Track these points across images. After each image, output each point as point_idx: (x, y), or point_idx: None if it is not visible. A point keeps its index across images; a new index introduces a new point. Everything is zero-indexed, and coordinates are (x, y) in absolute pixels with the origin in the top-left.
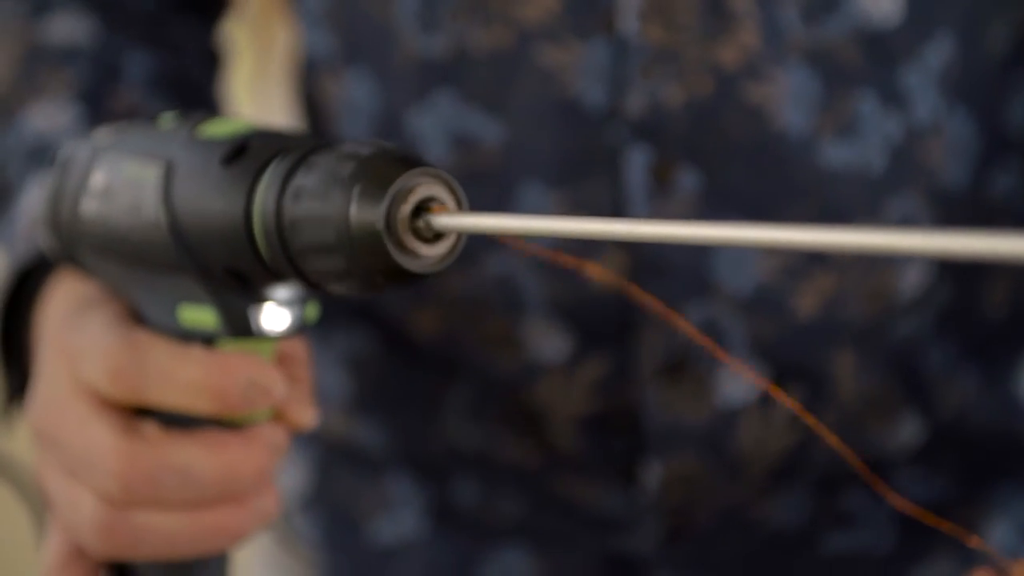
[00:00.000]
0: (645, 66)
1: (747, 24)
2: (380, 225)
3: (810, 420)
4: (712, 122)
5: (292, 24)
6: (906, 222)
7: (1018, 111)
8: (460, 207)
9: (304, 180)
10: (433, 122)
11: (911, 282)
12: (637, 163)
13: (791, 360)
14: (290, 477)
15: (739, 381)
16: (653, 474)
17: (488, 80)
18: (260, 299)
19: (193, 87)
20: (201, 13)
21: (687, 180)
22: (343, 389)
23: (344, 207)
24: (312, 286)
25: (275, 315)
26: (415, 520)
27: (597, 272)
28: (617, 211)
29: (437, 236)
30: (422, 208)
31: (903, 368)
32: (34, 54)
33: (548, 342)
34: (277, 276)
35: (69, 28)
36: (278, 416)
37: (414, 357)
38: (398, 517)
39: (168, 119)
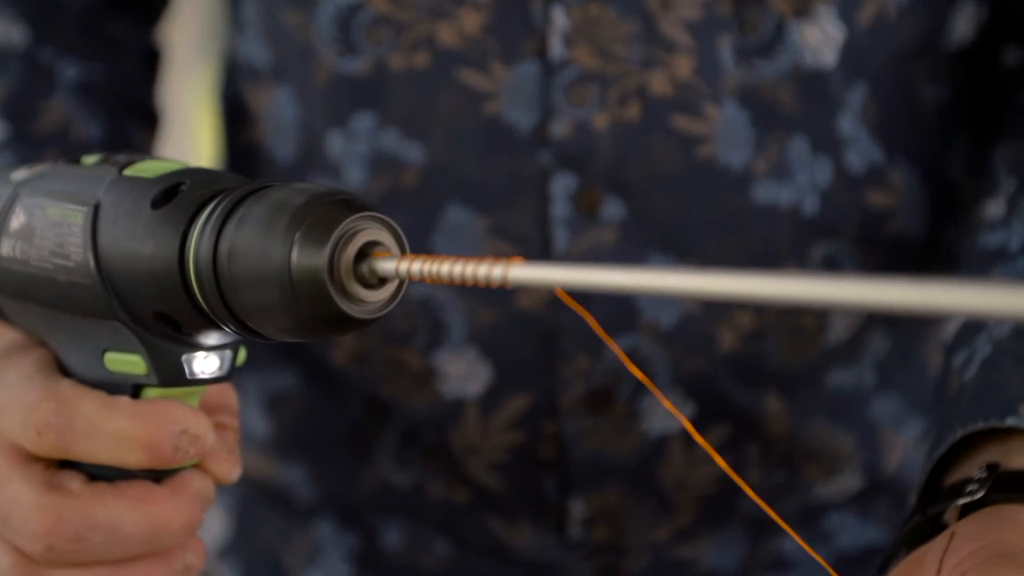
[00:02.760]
0: (571, 90)
1: (682, 56)
2: (323, 270)
3: (720, 461)
4: (638, 149)
5: (228, 29)
6: (828, 263)
7: (958, 167)
8: (403, 251)
9: (243, 224)
10: (354, 143)
11: (839, 327)
12: (560, 190)
13: (715, 395)
14: (207, 521)
15: (664, 412)
16: (579, 509)
17: (413, 101)
18: (192, 345)
19: (128, 93)
20: (139, 11)
21: (611, 210)
22: (264, 429)
23: (286, 252)
24: (249, 332)
25: (206, 360)
26: (342, 567)
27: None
28: (541, 239)
29: (380, 281)
30: (364, 253)
31: (846, 419)
32: None
33: (468, 372)
34: (211, 321)
35: (0, 31)
36: (203, 466)
37: (337, 394)
38: (324, 563)
39: (92, 158)
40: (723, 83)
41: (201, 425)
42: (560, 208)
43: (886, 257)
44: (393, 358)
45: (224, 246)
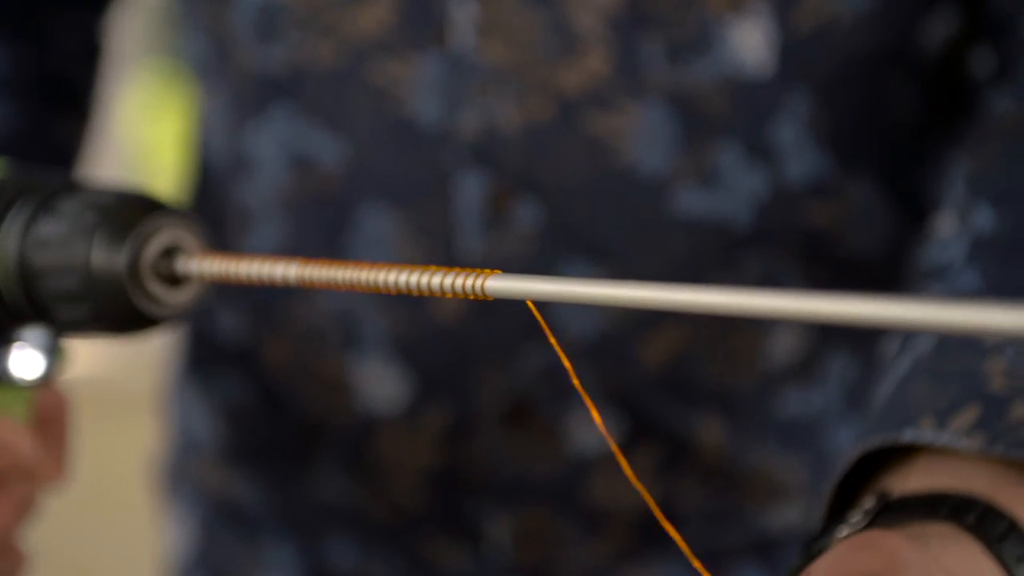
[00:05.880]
0: (481, 84)
1: (596, 50)
2: (122, 269)
3: (641, 489)
4: (551, 149)
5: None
6: (768, 280)
7: (931, 182)
8: (204, 250)
9: (47, 226)
10: (271, 140)
11: (783, 348)
12: (471, 190)
13: (645, 415)
14: (179, 535)
15: (590, 429)
16: (505, 529)
17: (326, 96)
18: (7, 343)
19: (61, 85)
20: (83, 3)
21: (525, 212)
22: (221, 440)
23: (86, 254)
24: (59, 330)
25: (25, 361)
26: None
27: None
28: (451, 239)
29: (183, 281)
30: (169, 253)
31: (799, 446)
32: None
33: (386, 386)
34: (21, 320)
35: None
36: (27, 476)
37: (276, 408)
38: None
39: None
40: (645, 81)
41: (14, 433)
42: (471, 208)
43: (837, 276)
44: (316, 371)
45: (28, 249)
